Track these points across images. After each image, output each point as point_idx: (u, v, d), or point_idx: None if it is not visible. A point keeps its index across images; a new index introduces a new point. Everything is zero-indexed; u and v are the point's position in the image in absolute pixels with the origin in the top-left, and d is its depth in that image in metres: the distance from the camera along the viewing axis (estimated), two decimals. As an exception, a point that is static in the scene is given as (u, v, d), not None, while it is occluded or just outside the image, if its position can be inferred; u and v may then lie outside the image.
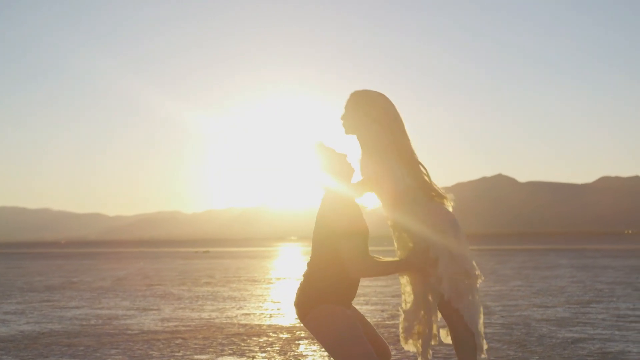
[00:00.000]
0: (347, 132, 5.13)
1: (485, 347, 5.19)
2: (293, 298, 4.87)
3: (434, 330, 5.08)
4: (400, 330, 5.13)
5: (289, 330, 10.36)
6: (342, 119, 5.11)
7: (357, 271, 4.71)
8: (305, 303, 4.78)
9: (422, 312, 5.07)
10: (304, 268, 4.91)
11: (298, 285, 4.89)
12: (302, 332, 10.03)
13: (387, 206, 5.06)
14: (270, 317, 12.23)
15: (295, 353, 8.32)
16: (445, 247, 4.92)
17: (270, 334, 10.00)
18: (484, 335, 5.23)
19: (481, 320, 5.19)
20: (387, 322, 11.10)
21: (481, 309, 5.17)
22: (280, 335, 9.79)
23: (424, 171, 5.10)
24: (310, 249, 4.93)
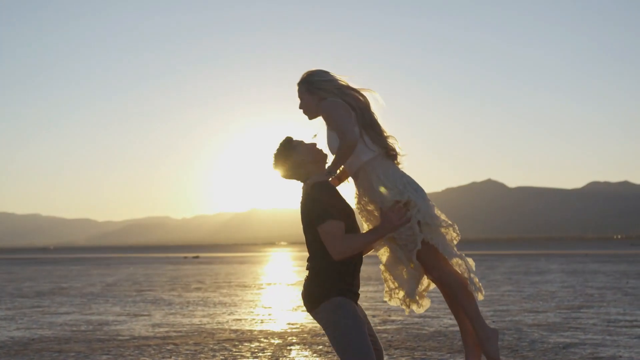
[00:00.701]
0: (310, 118, 5.20)
1: (478, 286, 5.33)
2: (301, 290, 4.86)
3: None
4: (404, 299, 5.27)
5: (281, 335, 10.35)
6: (301, 107, 5.18)
7: (337, 253, 4.71)
8: (313, 297, 4.78)
9: (411, 267, 5.19)
10: (306, 263, 4.90)
11: (304, 280, 4.89)
12: (294, 338, 10.02)
13: (354, 174, 5.14)
14: (262, 322, 12.20)
15: (287, 358, 8.30)
16: (414, 195, 5.05)
17: (262, 339, 9.98)
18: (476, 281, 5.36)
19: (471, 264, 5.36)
20: (379, 328, 11.10)
21: (465, 258, 5.32)
22: (272, 341, 9.77)
23: (386, 134, 5.16)
24: (305, 248, 4.99)
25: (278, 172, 4.95)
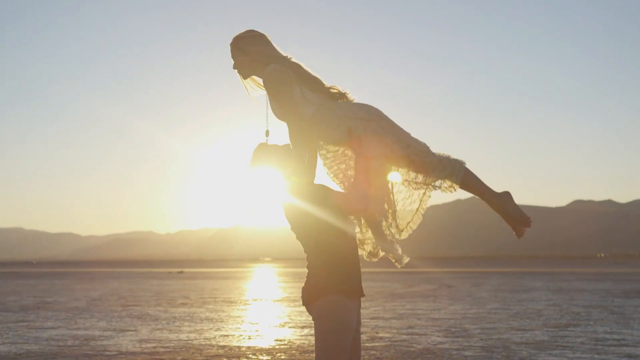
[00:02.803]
0: (245, 78, 5.20)
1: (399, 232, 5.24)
2: (302, 285, 4.82)
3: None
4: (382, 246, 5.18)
5: (269, 352, 10.31)
6: (235, 68, 5.18)
7: (360, 210, 4.76)
8: (312, 292, 4.74)
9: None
10: (306, 262, 4.89)
11: (306, 277, 4.85)
12: (282, 354, 9.98)
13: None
14: (249, 338, 12.15)
15: (277, 375, 8.27)
16: (369, 126, 4.99)
17: (250, 355, 9.95)
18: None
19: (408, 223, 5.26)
20: (367, 345, 11.07)
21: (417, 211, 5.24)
22: (260, 357, 9.74)
23: (325, 85, 5.16)
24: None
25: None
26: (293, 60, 5.14)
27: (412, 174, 5.08)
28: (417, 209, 5.21)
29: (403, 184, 5.10)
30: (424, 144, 5.00)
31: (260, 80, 5.20)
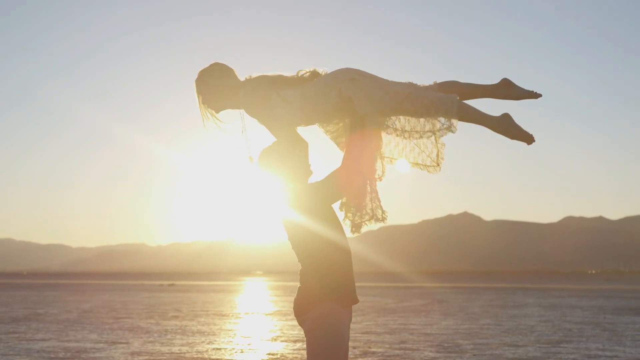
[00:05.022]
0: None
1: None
2: (295, 296, 4.79)
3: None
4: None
5: (262, 366, 10.29)
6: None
7: (351, 172, 4.79)
8: (305, 303, 4.72)
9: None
10: (299, 271, 4.87)
11: (298, 287, 4.83)
12: (275, 368, 9.96)
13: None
14: (241, 352, 12.13)
15: (270, 389, 8.25)
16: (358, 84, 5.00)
17: (243, 369, 9.93)
18: None
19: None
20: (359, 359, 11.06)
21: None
22: (253, 371, 9.72)
23: (294, 75, 5.18)
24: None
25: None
26: (254, 75, 5.16)
27: (411, 123, 5.11)
28: (437, 155, 5.21)
29: (404, 136, 5.14)
30: (409, 84, 5.04)
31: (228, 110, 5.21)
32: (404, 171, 5.17)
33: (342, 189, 4.84)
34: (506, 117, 5.03)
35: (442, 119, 5.00)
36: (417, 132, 5.14)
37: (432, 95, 4.99)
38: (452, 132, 5.04)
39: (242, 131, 5.14)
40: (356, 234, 5.28)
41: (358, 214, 5.17)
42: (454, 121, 5.03)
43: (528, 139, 4.95)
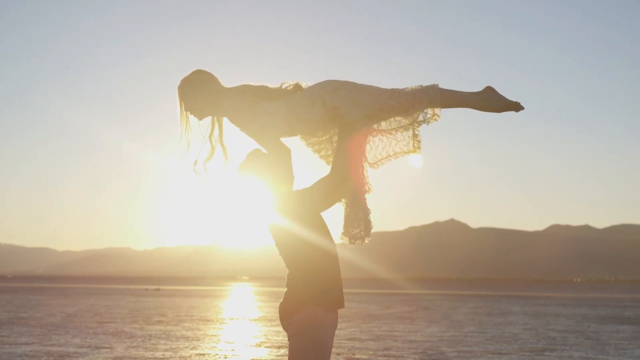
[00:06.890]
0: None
1: None
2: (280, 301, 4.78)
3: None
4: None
5: (245, 372, 10.27)
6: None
7: (340, 178, 4.80)
8: (290, 307, 4.70)
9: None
10: (286, 276, 4.86)
11: (285, 292, 4.82)
12: (258, 374, 9.94)
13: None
14: (225, 357, 12.11)
15: (252, 395, 8.24)
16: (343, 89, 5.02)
17: (226, 375, 9.90)
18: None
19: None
20: (344, 366, 11.05)
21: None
22: (236, 377, 9.70)
23: (277, 87, 5.19)
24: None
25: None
26: (238, 85, 5.15)
27: (397, 121, 5.12)
28: (412, 135, 5.20)
29: (390, 133, 5.15)
30: (391, 89, 5.06)
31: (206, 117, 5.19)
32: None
33: (335, 195, 4.85)
34: (490, 90, 5.02)
35: (427, 110, 5.03)
36: (401, 127, 5.16)
37: (413, 89, 5.02)
38: (436, 120, 5.06)
39: (209, 136, 5.13)
40: (356, 245, 5.28)
41: (357, 225, 5.19)
42: (437, 110, 5.05)
43: (516, 107, 4.95)
